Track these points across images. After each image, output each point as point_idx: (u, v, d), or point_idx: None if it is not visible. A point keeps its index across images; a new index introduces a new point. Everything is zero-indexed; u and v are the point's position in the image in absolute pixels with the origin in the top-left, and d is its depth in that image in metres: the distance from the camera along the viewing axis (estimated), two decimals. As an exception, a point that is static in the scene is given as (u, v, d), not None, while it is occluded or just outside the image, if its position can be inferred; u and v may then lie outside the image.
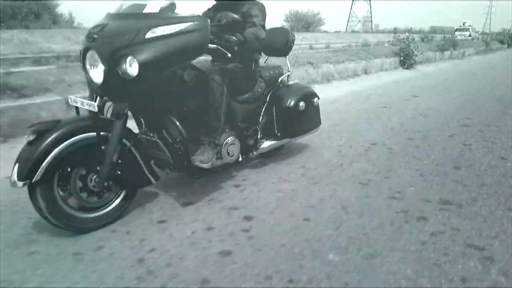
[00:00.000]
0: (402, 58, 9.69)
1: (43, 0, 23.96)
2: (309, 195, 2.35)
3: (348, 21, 61.68)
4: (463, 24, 32.03)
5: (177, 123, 2.10)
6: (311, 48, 13.43)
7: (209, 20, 1.98)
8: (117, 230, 1.92)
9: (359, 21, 61.73)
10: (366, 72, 8.02)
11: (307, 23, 32.22)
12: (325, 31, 31.11)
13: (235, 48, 2.21)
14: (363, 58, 8.20)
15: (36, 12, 23.37)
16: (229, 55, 2.17)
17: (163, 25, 1.82)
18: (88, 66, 1.83)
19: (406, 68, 9.65)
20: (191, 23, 1.90)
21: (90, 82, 1.87)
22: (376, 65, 8.58)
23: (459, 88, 6.87)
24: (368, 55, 8.52)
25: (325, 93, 5.60)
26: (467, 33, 27.99)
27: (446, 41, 14.33)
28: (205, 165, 2.11)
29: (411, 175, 2.68)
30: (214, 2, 2.56)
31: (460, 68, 10.89)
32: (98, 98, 1.85)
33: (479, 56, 15.82)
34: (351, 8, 61.83)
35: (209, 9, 2.59)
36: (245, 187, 2.46)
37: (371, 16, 61.54)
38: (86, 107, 1.85)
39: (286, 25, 30.72)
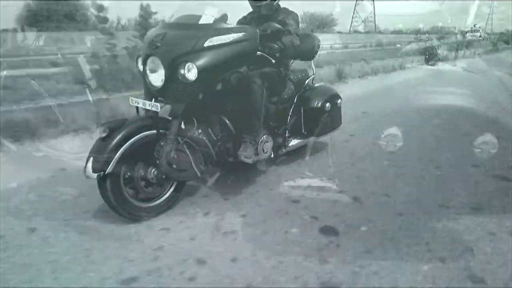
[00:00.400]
0: (427, 56, 11.39)
1: (75, 0, 25.24)
2: (415, 133, 4.04)
3: (351, 21, 62.16)
4: (474, 26, 33.84)
5: (227, 122, 2.37)
6: (331, 48, 15.11)
7: (258, 30, 2.20)
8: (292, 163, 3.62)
9: (362, 21, 62.18)
10: (401, 67, 9.73)
11: (322, 23, 33.88)
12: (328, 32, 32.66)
13: (277, 54, 2.41)
14: (399, 56, 9.93)
15: (69, 13, 24.86)
16: (273, 61, 2.37)
17: (219, 35, 2.01)
18: (148, 71, 1.99)
19: (431, 65, 11.33)
20: (243, 33, 2.11)
21: (148, 85, 2.02)
22: (407, 62, 10.28)
23: (480, 81, 8.59)
24: (402, 54, 10.25)
25: (382, 83, 7.37)
26: (478, 34, 29.76)
27: (461, 42, 16.01)
28: (249, 160, 2.32)
29: (470, 126, 4.33)
30: (250, 10, 2.76)
31: (476, 66, 12.44)
32: (154, 99, 2.02)
33: (488, 56, 17.43)
34: (354, 8, 62.41)
35: (244, 17, 2.81)
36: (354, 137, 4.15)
37: (374, 17, 61.66)
38: (148, 107, 2.02)
39: (301, 26, 32.22)
